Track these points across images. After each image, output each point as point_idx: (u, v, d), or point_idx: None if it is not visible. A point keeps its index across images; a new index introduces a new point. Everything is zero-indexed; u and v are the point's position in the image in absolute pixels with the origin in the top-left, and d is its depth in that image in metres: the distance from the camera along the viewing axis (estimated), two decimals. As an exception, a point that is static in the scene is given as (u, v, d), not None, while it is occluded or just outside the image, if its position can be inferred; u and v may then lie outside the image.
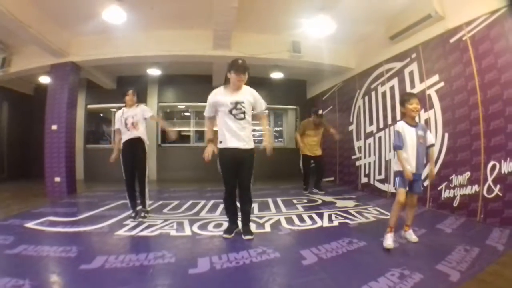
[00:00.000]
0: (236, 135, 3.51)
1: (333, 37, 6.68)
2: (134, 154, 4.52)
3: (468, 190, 4.44)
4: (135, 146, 4.52)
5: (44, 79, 8.02)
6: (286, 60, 7.28)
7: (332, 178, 8.79)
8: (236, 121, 3.51)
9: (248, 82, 3.67)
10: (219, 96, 3.58)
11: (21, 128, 10.17)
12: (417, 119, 3.59)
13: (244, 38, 6.82)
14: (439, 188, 4.96)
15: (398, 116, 5.95)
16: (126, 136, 4.53)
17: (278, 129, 11.74)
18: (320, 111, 6.82)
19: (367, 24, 6.38)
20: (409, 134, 3.30)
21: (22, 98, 10.17)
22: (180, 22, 6.42)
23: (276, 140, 11.52)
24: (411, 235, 3.40)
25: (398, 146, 3.30)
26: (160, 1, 5.62)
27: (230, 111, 3.49)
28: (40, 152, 7.09)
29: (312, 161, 6.99)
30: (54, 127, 6.77)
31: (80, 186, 7.63)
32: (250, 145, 3.59)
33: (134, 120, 4.52)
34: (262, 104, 3.73)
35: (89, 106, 10.28)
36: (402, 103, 3.41)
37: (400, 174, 3.30)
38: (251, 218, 3.85)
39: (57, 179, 6.69)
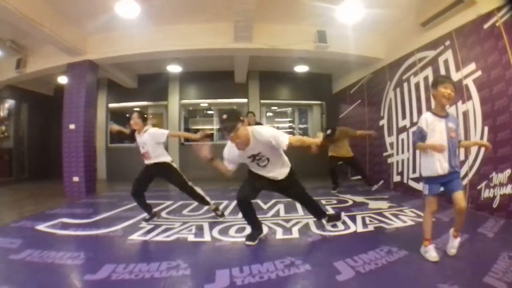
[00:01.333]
0: (267, 172, 3.35)
1: (360, 26, 6.27)
2: (164, 177, 4.26)
3: (508, 190, 4.00)
4: (160, 172, 4.20)
5: (63, 79, 7.96)
6: (311, 51, 6.83)
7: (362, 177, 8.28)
8: (262, 167, 3.31)
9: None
10: (233, 153, 3.23)
11: (41, 128, 10.22)
12: (452, 112, 3.10)
13: (265, 29, 6.45)
14: (478, 188, 4.50)
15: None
16: (145, 161, 4.21)
17: (302, 126, 11.27)
18: (329, 131, 6.51)
19: (396, 10, 5.91)
20: (438, 127, 2.70)
21: (42, 99, 10.21)
22: (198, 15, 6.12)
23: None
24: (431, 252, 2.73)
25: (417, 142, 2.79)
26: None
27: (253, 161, 3.27)
28: (60, 152, 7.01)
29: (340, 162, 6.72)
30: (71, 126, 6.65)
31: (101, 185, 7.52)
32: (285, 173, 3.45)
33: (145, 150, 4.12)
34: (281, 142, 3.04)
35: (110, 105, 10.19)
36: (435, 85, 2.78)
37: (429, 180, 2.77)
38: (277, 220, 3.63)
39: (76, 178, 6.56)
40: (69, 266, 2.71)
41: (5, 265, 2.77)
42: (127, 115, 11.18)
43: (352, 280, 2.38)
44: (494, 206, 4.19)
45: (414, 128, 5.92)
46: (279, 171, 3.36)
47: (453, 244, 2.79)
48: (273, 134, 3.07)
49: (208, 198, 4.37)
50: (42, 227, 3.98)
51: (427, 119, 2.74)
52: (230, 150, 3.23)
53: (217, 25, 6.35)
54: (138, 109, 4.33)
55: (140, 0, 5.16)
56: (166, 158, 4.21)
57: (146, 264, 2.67)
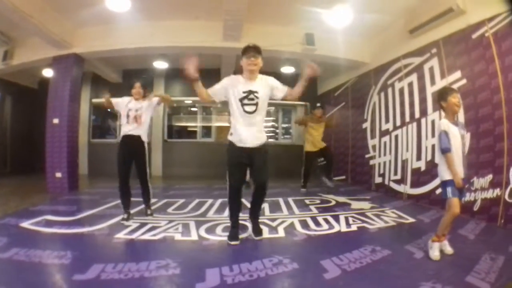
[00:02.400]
0: (247, 131, 3.26)
1: (348, 30, 6.35)
2: (134, 154, 4.24)
3: (489, 194, 4.18)
4: (134, 146, 4.22)
5: (48, 72, 7.76)
6: (298, 53, 6.90)
7: (344, 177, 8.43)
8: (246, 114, 3.25)
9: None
10: (234, 80, 3.33)
11: (25, 122, 9.94)
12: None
13: (255, 30, 6.46)
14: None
15: (417, 114, 5.73)
16: (126, 129, 4.22)
17: (285, 125, 11.36)
18: (318, 104, 7.13)
19: (385, 16, 6.02)
20: (454, 134, 2.89)
21: (26, 91, 9.93)
22: (188, 11, 6.10)
23: (283, 137, 11.19)
24: (446, 246, 2.96)
25: (448, 149, 2.86)
26: None
27: (241, 100, 3.24)
28: (43, 146, 6.85)
29: (318, 158, 7.10)
30: (55, 120, 6.50)
31: (83, 181, 7.39)
32: (261, 140, 3.33)
33: (137, 113, 4.22)
34: (281, 87, 3.43)
35: (94, 100, 9.99)
36: (443, 97, 2.98)
37: (451, 182, 2.87)
38: (263, 219, 3.60)
39: (58, 174, 6.43)
40: (57, 266, 2.68)
41: None
42: (109, 110, 11.07)
43: (339, 278, 2.48)
44: (475, 209, 4.35)
45: (398, 132, 6.21)
46: (258, 134, 3.32)
47: (435, 252, 2.88)
48: (276, 82, 3.42)
49: (152, 201, 4.55)
50: (26, 224, 3.90)
51: (448, 125, 2.92)
52: (230, 80, 3.34)
53: (207, 23, 6.33)
54: (138, 83, 4.41)
55: None
56: (145, 137, 4.32)
57: (135, 263, 2.67)
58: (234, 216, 3.44)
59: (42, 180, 6.98)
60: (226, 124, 8.89)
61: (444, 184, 2.95)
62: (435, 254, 2.82)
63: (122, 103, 4.32)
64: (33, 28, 5.60)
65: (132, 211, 4.34)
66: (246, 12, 5.41)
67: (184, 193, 6.31)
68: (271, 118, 11.15)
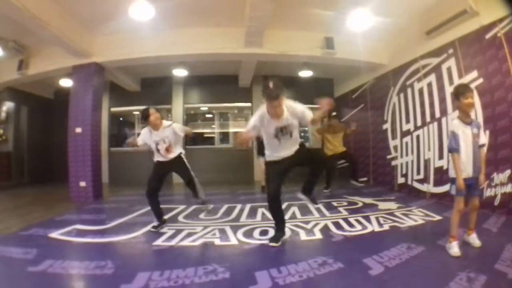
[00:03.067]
0: (283, 149, 3.42)
1: (367, 33, 6.36)
2: (172, 169, 4.30)
3: (508, 188, 4.26)
4: (173, 165, 4.20)
5: (65, 82, 7.85)
6: (318, 57, 6.94)
7: (366, 179, 8.36)
8: (282, 141, 3.38)
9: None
10: (262, 120, 3.28)
11: (42, 132, 10.05)
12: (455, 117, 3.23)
13: (276, 35, 6.50)
14: (481, 187, 4.60)
15: (438, 113, 5.71)
16: (160, 158, 4.14)
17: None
18: (335, 113, 7.38)
19: (402, 19, 6.04)
20: (465, 134, 2.94)
21: (42, 102, 10.05)
22: (210, 19, 6.14)
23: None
24: (475, 240, 3.09)
25: (454, 149, 2.95)
26: None
27: (275, 136, 3.33)
28: (61, 156, 6.90)
29: (338, 161, 7.32)
30: (78, 130, 6.54)
31: (105, 190, 7.39)
32: (296, 147, 3.49)
33: (167, 144, 4.07)
34: (306, 116, 3.32)
35: (112, 109, 10.10)
36: (457, 96, 3.01)
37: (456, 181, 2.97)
38: (296, 223, 3.77)
39: (83, 183, 6.47)
40: (100, 276, 2.60)
41: (24, 279, 2.61)
42: (126, 119, 11.14)
43: (384, 274, 2.56)
44: (496, 204, 4.42)
45: (419, 132, 6.17)
46: (293, 147, 3.44)
47: (454, 249, 2.91)
48: (302, 108, 3.31)
49: (203, 192, 4.44)
50: (56, 234, 3.85)
51: (458, 125, 2.96)
52: (259, 121, 3.26)
53: (228, 30, 6.37)
54: (153, 109, 4.25)
55: (153, 2, 5.10)
56: (180, 150, 4.27)
57: (182, 270, 2.66)
58: (279, 220, 3.52)
59: (61, 189, 7.03)
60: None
61: (451, 181, 3.08)
62: (454, 251, 2.87)
63: (146, 138, 4.14)
64: (50, 36, 5.60)
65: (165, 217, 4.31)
66: (270, 18, 5.44)
67: (210, 198, 6.24)
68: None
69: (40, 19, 5.05)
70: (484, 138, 2.99)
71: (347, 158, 7.29)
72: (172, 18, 5.94)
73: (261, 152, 7.26)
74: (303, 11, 5.87)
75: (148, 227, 4.14)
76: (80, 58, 6.56)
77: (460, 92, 2.99)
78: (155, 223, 4.12)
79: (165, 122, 4.16)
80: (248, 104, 10.25)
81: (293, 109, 3.28)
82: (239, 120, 10.35)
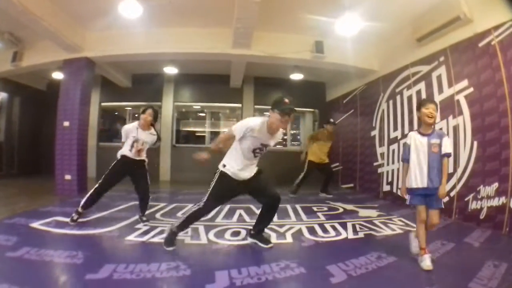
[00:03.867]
0: (247, 169, 3.23)
1: (357, 38, 6.41)
2: (134, 174, 4.32)
3: (495, 202, 4.20)
4: (136, 167, 4.27)
5: (57, 75, 7.86)
6: (308, 60, 6.96)
7: (352, 185, 8.42)
8: (253, 161, 3.28)
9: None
10: (261, 133, 3.10)
11: (33, 123, 10.07)
12: (442, 126, 3.29)
13: (265, 37, 6.54)
14: (466, 199, 4.68)
15: None
16: (128, 154, 4.21)
17: (294, 132, 11.39)
18: (332, 120, 7.37)
19: (393, 25, 6.06)
20: (421, 144, 2.97)
21: (35, 93, 10.06)
22: (198, 19, 6.16)
23: (292, 143, 11.20)
24: (426, 261, 2.82)
25: (404, 159, 3.11)
26: None
27: (254, 150, 3.18)
28: (52, 148, 6.92)
29: (318, 170, 7.21)
30: (66, 123, 6.57)
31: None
32: (255, 171, 3.36)
33: (142, 147, 4.25)
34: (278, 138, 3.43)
35: (103, 104, 10.12)
36: (418, 108, 3.07)
37: (409, 191, 3.03)
38: (271, 226, 3.63)
39: (68, 177, 6.49)
40: (69, 265, 2.72)
41: (2, 263, 2.75)
42: (116, 113, 11.18)
43: (345, 283, 2.52)
44: (481, 217, 4.36)
45: (406, 140, 6.16)
46: (253, 170, 3.32)
47: (426, 262, 2.82)
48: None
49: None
50: (36, 224, 3.96)
51: (412, 136, 3.06)
52: (258, 132, 3.08)
53: (217, 30, 6.40)
54: (151, 109, 4.34)
55: (143, 1, 5.15)
56: (145, 158, 4.36)
57: (146, 264, 2.72)
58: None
59: (49, 181, 7.05)
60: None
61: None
62: (426, 264, 2.79)
63: (130, 132, 4.25)
64: (43, 30, 5.65)
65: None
66: (256, 20, 5.44)
67: (192, 198, 6.30)
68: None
69: (34, 14, 5.10)
70: (448, 148, 2.94)
71: (327, 170, 7.32)
72: (161, 16, 5.98)
73: None
74: (293, 14, 5.89)
75: (125, 222, 4.23)
76: (71, 52, 6.60)
77: (422, 103, 3.06)
78: (75, 216, 4.13)
79: (153, 129, 4.34)
80: (239, 105, 10.28)
81: (280, 133, 3.33)
82: (231, 120, 10.37)
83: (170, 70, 8.53)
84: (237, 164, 3.17)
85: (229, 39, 6.27)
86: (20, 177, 9.01)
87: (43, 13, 5.29)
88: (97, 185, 4.23)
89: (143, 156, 4.27)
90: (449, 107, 5.09)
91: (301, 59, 6.95)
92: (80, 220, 4.15)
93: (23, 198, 5.77)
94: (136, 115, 10.02)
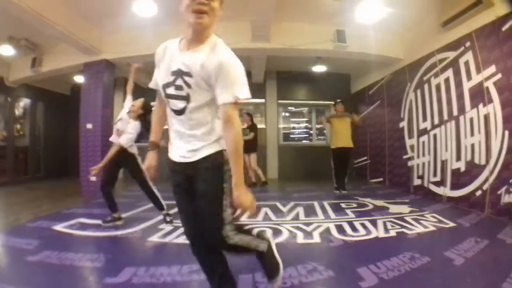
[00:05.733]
0: (178, 141, 1.78)
1: (380, 25, 6.16)
2: (128, 169, 4.24)
3: None
4: (123, 161, 4.14)
5: (79, 79, 7.97)
6: (330, 51, 6.69)
7: (381, 180, 8.10)
8: (174, 115, 1.75)
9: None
10: (167, 52, 1.81)
11: (58, 127, 10.28)
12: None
13: (284, 28, 6.34)
14: (498, 193, 4.40)
15: (455, 111, 5.40)
16: (111, 139, 4.24)
17: (319, 126, 11.08)
18: (339, 100, 7.03)
19: (416, 10, 5.80)
20: None
21: (58, 98, 10.26)
22: (214, 14, 6.04)
23: (317, 138, 10.84)
24: None
25: None
26: None
27: (164, 88, 1.74)
28: (76, 151, 7.01)
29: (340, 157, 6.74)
30: (89, 126, 6.65)
31: (117, 185, 7.44)
32: (202, 153, 1.69)
33: (121, 128, 4.16)
34: (235, 88, 1.59)
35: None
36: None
37: None
38: (297, 224, 3.34)
39: (93, 178, 6.51)
40: (89, 269, 2.68)
41: (22, 266, 2.73)
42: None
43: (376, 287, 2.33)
44: None
45: (436, 131, 5.93)
46: (197, 142, 1.69)
47: None
48: (232, 67, 1.61)
49: (163, 202, 4.18)
50: (59, 227, 3.96)
51: None
52: (163, 49, 1.87)
53: (234, 25, 6.22)
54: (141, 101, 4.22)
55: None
56: (134, 149, 4.19)
57: (167, 267, 2.63)
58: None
59: (74, 183, 7.16)
60: (260, 127, 8.80)
61: None
62: None
63: (123, 113, 4.30)
64: (59, 35, 5.68)
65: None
66: (273, 11, 5.29)
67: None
68: (305, 119, 10.94)
69: (47, 19, 5.12)
70: None
71: (345, 157, 6.68)
72: (176, 14, 5.86)
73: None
74: (311, 2, 5.67)
75: (149, 223, 4.19)
76: (90, 55, 6.65)
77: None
78: (108, 217, 4.11)
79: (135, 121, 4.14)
80: (262, 100, 10.12)
81: (220, 54, 1.63)
82: (255, 115, 10.23)
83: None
84: (171, 132, 1.84)
85: (248, 33, 6.13)
86: (47, 180, 9.19)
87: (57, 18, 5.31)
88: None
89: (124, 144, 4.03)
90: (479, 95, 4.80)
91: (323, 49, 6.69)
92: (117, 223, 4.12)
93: (47, 201, 5.83)
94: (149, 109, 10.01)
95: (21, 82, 8.45)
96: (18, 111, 9.13)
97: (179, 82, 1.65)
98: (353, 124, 6.85)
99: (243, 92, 1.60)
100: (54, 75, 7.94)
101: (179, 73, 1.66)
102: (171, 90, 1.69)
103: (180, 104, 1.68)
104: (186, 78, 1.63)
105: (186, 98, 1.65)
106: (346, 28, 6.42)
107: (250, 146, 7.18)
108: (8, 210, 5.02)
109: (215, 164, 1.70)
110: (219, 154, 1.71)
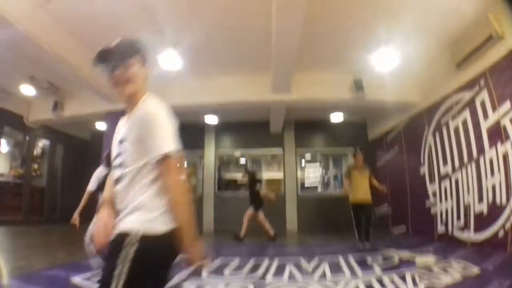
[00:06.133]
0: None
1: (395, 70, 6.29)
2: None
3: None
4: None
5: (101, 125, 8.07)
6: (348, 100, 6.81)
7: (404, 227, 7.88)
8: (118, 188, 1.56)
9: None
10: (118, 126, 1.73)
11: (76, 171, 10.29)
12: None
13: (303, 79, 6.51)
14: None
15: (475, 152, 5.33)
16: None
17: (336, 174, 10.93)
18: (358, 148, 6.71)
19: (430, 53, 5.97)
20: None
21: (79, 142, 10.47)
22: (237, 67, 6.26)
23: (334, 188, 10.51)
24: None
25: None
26: (216, 46, 5.51)
27: (113, 162, 1.62)
28: (95, 197, 6.99)
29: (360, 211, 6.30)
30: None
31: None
32: (126, 224, 1.41)
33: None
34: (156, 143, 1.43)
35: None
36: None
37: None
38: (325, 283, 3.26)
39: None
40: None
41: None
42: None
43: None
44: None
45: (457, 174, 5.84)
46: (130, 202, 1.45)
47: None
48: (158, 123, 1.45)
49: None
50: (78, 279, 3.73)
51: None
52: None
53: (256, 77, 6.45)
54: None
55: (182, 52, 5.27)
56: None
57: None
58: None
59: (92, 230, 7.02)
60: (277, 177, 8.70)
61: None
62: None
63: None
64: (82, 81, 5.79)
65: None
66: (295, 64, 5.43)
67: (237, 250, 5.99)
68: (322, 167, 10.79)
69: (70, 63, 5.24)
70: None
71: (368, 213, 6.30)
72: (200, 67, 6.12)
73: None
74: (330, 53, 5.88)
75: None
76: (113, 103, 6.77)
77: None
78: None
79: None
80: (280, 151, 10.16)
81: (145, 113, 1.49)
82: (272, 166, 10.20)
83: (211, 119, 8.67)
84: None
85: (268, 84, 6.28)
86: (62, 223, 9.03)
87: (82, 63, 5.38)
88: None
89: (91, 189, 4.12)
90: (497, 134, 4.78)
91: (341, 98, 6.81)
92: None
93: (63, 248, 5.68)
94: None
95: (41, 123, 8.57)
96: (36, 151, 9.24)
97: (118, 150, 1.57)
98: (371, 181, 6.45)
99: (169, 145, 1.44)
100: (75, 120, 8.08)
101: (119, 142, 1.59)
102: (115, 162, 1.59)
103: (117, 173, 1.55)
104: (122, 145, 1.55)
105: (121, 166, 1.52)
106: (363, 76, 6.58)
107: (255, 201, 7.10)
108: (19, 253, 4.88)
109: (116, 243, 1.39)
110: (126, 234, 1.38)
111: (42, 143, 9.52)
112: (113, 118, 6.93)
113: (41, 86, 6.92)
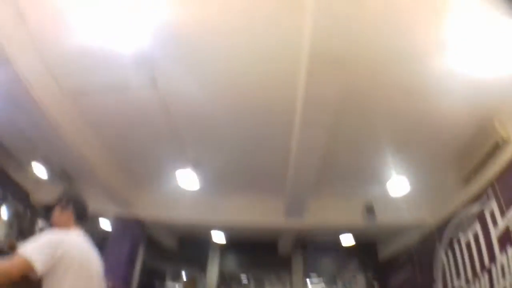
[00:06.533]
0: None
1: (406, 193, 6.37)
2: None
3: None
4: None
5: (104, 222, 7.81)
6: (360, 224, 6.90)
7: None
8: None
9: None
10: None
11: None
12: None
13: (316, 204, 6.62)
14: None
15: (487, 262, 5.03)
16: None
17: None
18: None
19: (438, 172, 6.10)
20: None
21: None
22: (250, 188, 6.47)
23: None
24: None
25: None
26: (234, 168, 5.82)
27: None
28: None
29: None
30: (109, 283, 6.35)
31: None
32: None
33: None
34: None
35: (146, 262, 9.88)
36: None
37: None
38: None
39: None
40: None
41: None
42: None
43: None
44: None
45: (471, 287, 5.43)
46: None
47: None
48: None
49: None
50: None
51: None
52: None
53: (268, 200, 6.59)
54: None
55: (199, 172, 5.49)
56: None
57: None
58: None
59: None
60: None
61: None
62: None
63: None
64: (95, 179, 5.79)
65: None
66: (309, 192, 5.67)
67: None
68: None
69: (88, 160, 5.29)
70: None
71: None
72: (214, 185, 6.27)
73: None
74: (344, 180, 6.14)
75: None
76: (121, 207, 6.75)
77: None
78: None
79: None
80: (287, 274, 9.76)
81: None
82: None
83: (218, 237, 8.55)
84: None
85: (281, 209, 6.38)
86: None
87: (98, 162, 5.46)
88: None
89: None
90: (507, 239, 4.58)
91: (353, 224, 6.94)
92: None
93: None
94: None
95: (43, 204, 8.04)
96: (36, 227, 8.90)
97: None
98: None
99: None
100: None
101: None
102: None
103: None
104: None
105: None
106: (374, 200, 6.71)
107: None
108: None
109: None
110: None
111: (43, 223, 9.25)
112: (120, 223, 6.99)
113: (54, 172, 6.62)
